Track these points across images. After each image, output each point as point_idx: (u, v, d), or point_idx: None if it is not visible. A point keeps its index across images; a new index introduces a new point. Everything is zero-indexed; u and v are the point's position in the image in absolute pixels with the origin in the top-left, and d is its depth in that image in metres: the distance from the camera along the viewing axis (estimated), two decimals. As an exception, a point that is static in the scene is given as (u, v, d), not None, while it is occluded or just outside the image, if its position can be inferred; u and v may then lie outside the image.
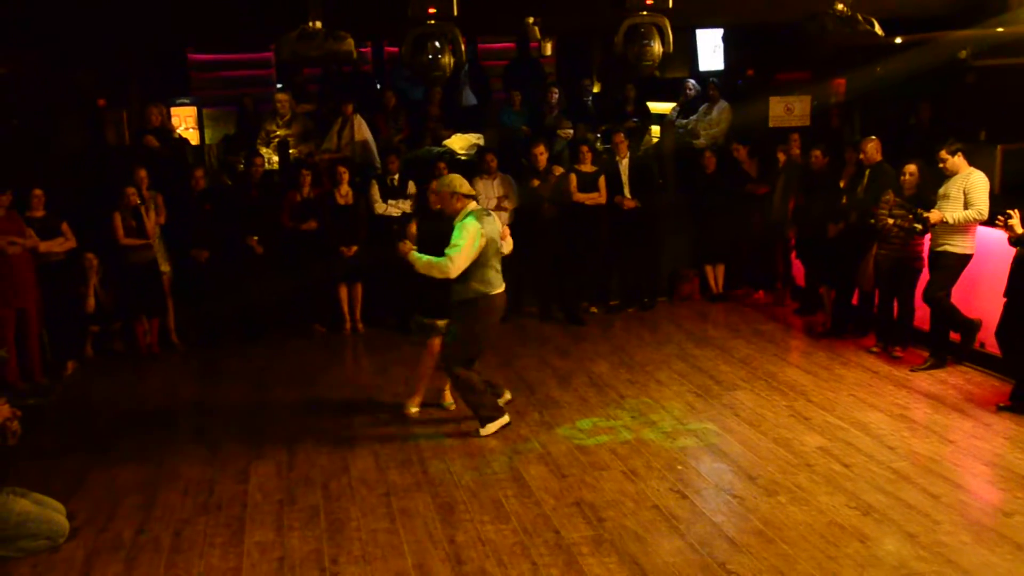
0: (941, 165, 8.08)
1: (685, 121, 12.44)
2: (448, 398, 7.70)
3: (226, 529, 5.78)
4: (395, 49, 12.75)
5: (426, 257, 6.72)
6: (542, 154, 10.23)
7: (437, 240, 6.85)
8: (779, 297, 10.82)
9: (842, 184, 9.29)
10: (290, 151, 10.93)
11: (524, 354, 9.21)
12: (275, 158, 10.90)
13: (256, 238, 9.82)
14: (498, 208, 9.96)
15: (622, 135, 10.56)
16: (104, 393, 8.63)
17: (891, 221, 8.33)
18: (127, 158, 10.21)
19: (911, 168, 8.32)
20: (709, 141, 11.82)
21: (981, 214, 7.81)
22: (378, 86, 13.16)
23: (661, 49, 9.08)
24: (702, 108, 12.34)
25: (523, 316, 10.37)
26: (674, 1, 8.91)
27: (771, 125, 11.26)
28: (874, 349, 8.83)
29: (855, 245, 8.93)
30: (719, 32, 14.23)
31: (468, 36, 9.46)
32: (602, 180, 10.28)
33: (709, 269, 11.14)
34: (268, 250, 9.87)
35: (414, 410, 7.61)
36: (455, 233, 6.74)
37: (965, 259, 8.01)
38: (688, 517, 5.70)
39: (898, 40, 10.92)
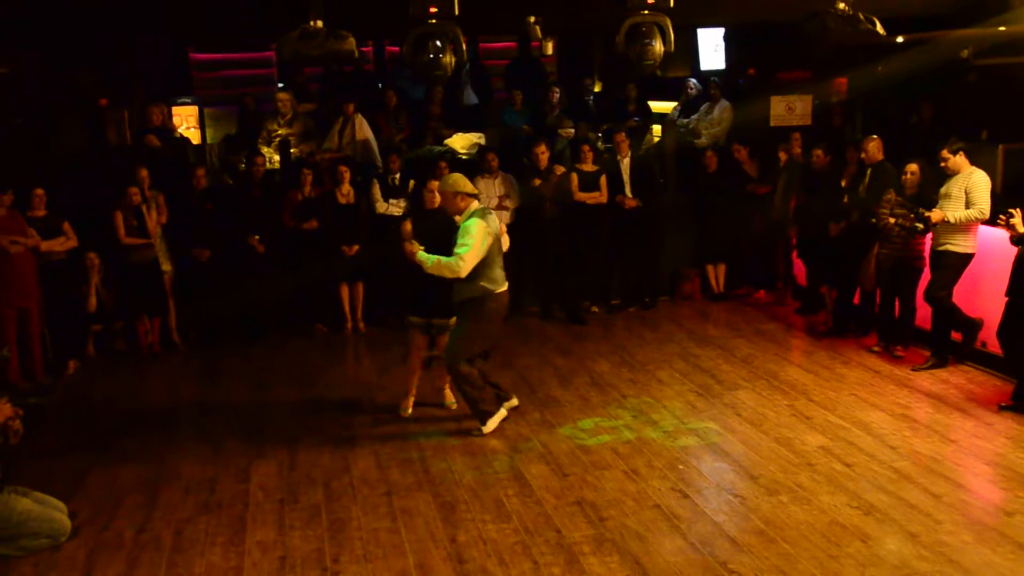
0: (943, 164, 8.07)
1: (686, 120, 12.44)
2: (449, 397, 7.71)
3: (227, 528, 5.79)
4: (396, 48, 12.75)
5: (435, 257, 6.75)
6: (543, 153, 10.23)
7: (432, 238, 6.87)
8: (780, 296, 10.82)
9: (843, 183, 9.29)
10: (291, 150, 10.93)
11: (525, 353, 9.21)
12: (276, 157, 10.91)
13: (257, 237, 9.82)
14: (499, 207, 9.97)
15: (623, 134, 10.56)
16: (106, 392, 8.64)
17: (892, 220, 8.33)
18: (128, 158, 10.21)
19: (912, 167, 8.31)
20: (710, 140, 11.82)
21: (983, 213, 7.81)
22: (379, 85, 13.16)
23: (662, 48, 9.09)
24: (703, 107, 12.34)
25: (524, 315, 10.37)
26: (675, 0, 8.91)
27: (772, 124, 11.26)
28: (875, 348, 8.83)
29: (856, 244, 8.93)
30: (720, 31, 14.23)
31: (469, 35, 9.47)
32: (603, 179, 10.29)
33: (710, 268, 11.15)
34: (269, 249, 9.88)
35: (409, 411, 7.62)
36: (462, 232, 6.77)
37: (967, 258, 8.01)
38: (689, 516, 5.69)
39: (900, 39, 10.91)
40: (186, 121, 12.09)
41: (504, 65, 14.04)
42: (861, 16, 9.31)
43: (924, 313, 8.45)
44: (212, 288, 9.72)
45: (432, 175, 9.30)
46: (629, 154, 10.45)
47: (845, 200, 9.15)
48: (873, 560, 5.11)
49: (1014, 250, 7.27)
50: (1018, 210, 7.16)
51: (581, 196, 10.20)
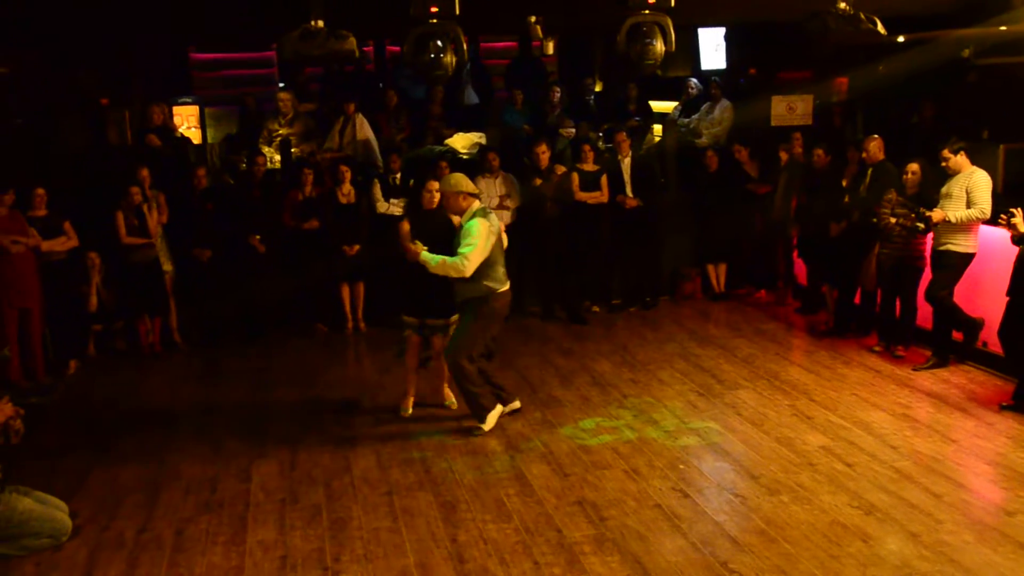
0: (944, 164, 8.07)
1: (687, 120, 12.43)
2: (449, 396, 7.72)
3: (228, 528, 5.79)
4: (397, 48, 12.75)
5: (440, 257, 6.76)
6: (544, 153, 10.23)
7: (430, 239, 6.88)
8: (781, 296, 10.82)
9: (844, 183, 9.29)
10: (292, 150, 10.93)
11: (526, 353, 9.21)
12: (277, 157, 10.91)
13: (258, 237, 9.82)
14: (500, 207, 9.97)
15: (624, 134, 10.56)
16: (106, 392, 8.64)
17: (893, 220, 8.32)
18: (129, 157, 10.21)
19: (913, 167, 8.31)
20: (711, 140, 11.82)
21: (984, 213, 7.81)
22: (380, 85, 13.16)
23: (663, 48, 9.09)
24: (704, 107, 12.33)
25: (525, 315, 10.36)
26: (676, 0, 8.91)
27: (773, 124, 11.26)
28: (876, 348, 8.83)
29: (857, 244, 8.93)
30: (721, 31, 14.22)
31: (470, 35, 9.48)
32: (604, 179, 10.29)
33: (711, 268, 11.15)
34: (270, 249, 9.88)
35: (409, 411, 7.61)
36: (466, 232, 6.79)
37: (968, 258, 8.00)
38: (690, 516, 5.69)
39: (900, 39, 10.90)
40: (187, 121, 12.09)
41: (505, 65, 14.05)
42: (862, 16, 9.31)
43: (925, 313, 8.45)
44: (213, 288, 9.72)
45: (433, 175, 9.31)
46: (630, 154, 10.45)
47: (846, 200, 9.15)
48: (874, 560, 5.11)
49: (1015, 250, 7.27)
50: (1019, 210, 7.15)
51: (582, 196, 10.20)
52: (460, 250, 6.73)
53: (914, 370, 8.26)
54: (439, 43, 8.77)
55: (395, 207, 9.96)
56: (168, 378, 9.04)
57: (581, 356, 9.11)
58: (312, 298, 10.16)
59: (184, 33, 11.63)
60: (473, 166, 10.38)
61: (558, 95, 12.04)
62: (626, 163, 10.41)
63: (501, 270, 7.02)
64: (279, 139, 11.01)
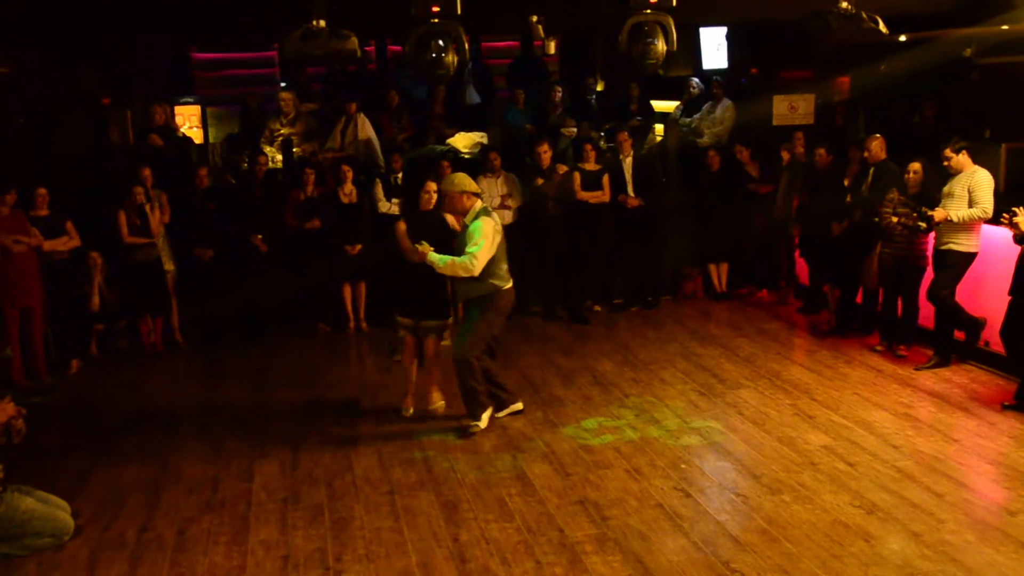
0: (945, 163, 8.06)
1: (689, 119, 12.43)
2: (436, 402, 7.60)
3: (230, 528, 5.79)
4: (399, 48, 12.75)
5: (448, 257, 6.79)
6: (546, 153, 10.24)
7: (426, 239, 6.89)
8: (783, 296, 10.82)
9: (846, 182, 9.29)
10: (294, 150, 10.94)
11: (528, 352, 9.21)
12: (279, 157, 10.92)
13: (260, 237, 9.82)
14: (502, 207, 9.97)
15: (626, 133, 10.57)
16: (108, 392, 8.65)
17: (895, 219, 8.32)
18: (131, 157, 10.23)
19: (915, 166, 8.31)
20: (713, 140, 11.81)
21: (985, 212, 7.80)
22: (382, 85, 13.17)
23: (665, 47, 9.07)
24: (706, 106, 12.33)
25: (527, 315, 10.36)
26: (677, -1, 8.92)
27: (775, 123, 11.26)
28: (878, 348, 8.82)
29: (859, 244, 8.92)
30: (723, 30, 14.21)
31: (471, 34, 9.45)
32: (606, 179, 10.29)
33: (713, 268, 11.14)
34: (272, 249, 9.88)
35: (411, 411, 7.61)
36: (473, 232, 6.82)
37: (969, 257, 8.00)
38: (692, 516, 5.69)
39: (902, 38, 10.90)
40: (189, 120, 12.10)
41: (506, 64, 14.06)
42: (864, 15, 9.28)
43: (927, 312, 8.44)
44: (214, 287, 9.72)
45: (435, 174, 9.31)
46: (631, 153, 10.45)
47: (848, 199, 9.14)
48: (876, 559, 5.11)
49: (1017, 249, 7.26)
50: (1021, 209, 7.15)
51: (583, 195, 10.20)
52: (468, 249, 6.77)
53: (916, 369, 8.26)
54: (441, 43, 8.76)
55: (396, 207, 9.96)
56: (170, 378, 9.05)
57: (583, 356, 9.10)
58: (314, 298, 10.16)
59: (186, 33, 11.62)
60: (475, 166, 10.38)
61: (560, 95, 12.04)
62: (628, 163, 10.41)
63: (505, 268, 7.06)
64: (281, 139, 11.02)
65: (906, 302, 8.58)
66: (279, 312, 10.15)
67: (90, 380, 8.97)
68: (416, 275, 7.08)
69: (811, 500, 5.83)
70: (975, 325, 8.09)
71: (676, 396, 7.85)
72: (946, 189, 8.05)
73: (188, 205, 9.74)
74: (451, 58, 8.84)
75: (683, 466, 6.45)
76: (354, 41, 8.75)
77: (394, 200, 10.00)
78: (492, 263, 6.90)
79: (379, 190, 10.08)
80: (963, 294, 8.12)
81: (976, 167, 7.99)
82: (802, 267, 10.51)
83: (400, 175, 10.16)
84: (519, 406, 7.53)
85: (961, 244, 7.96)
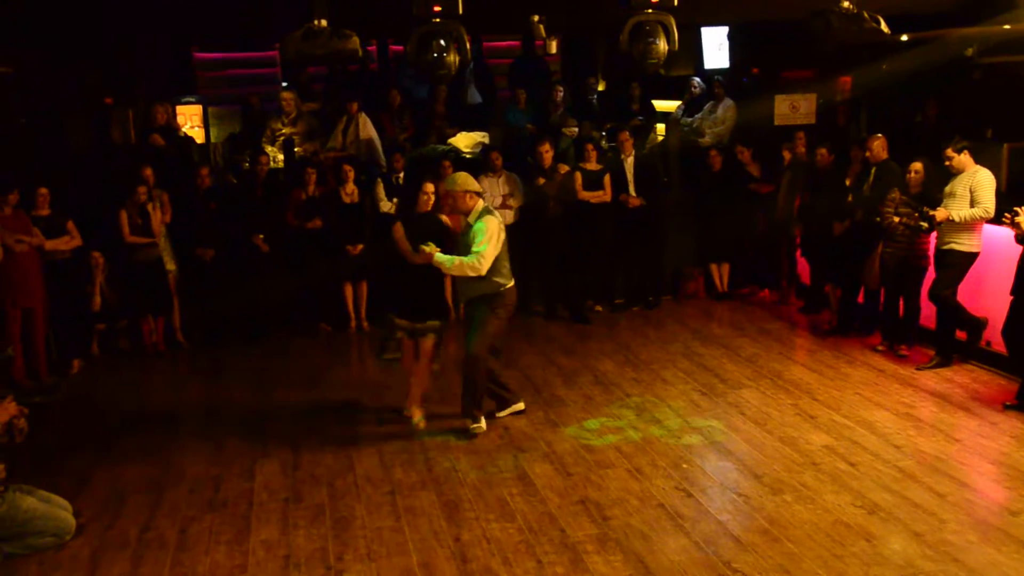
0: (947, 163, 8.05)
1: (690, 119, 12.43)
2: (417, 415, 7.37)
3: (232, 527, 5.79)
4: (400, 47, 12.75)
5: (455, 258, 6.79)
6: (547, 152, 10.24)
7: (423, 241, 6.86)
8: (784, 296, 10.81)
9: (848, 182, 9.28)
10: (295, 149, 10.94)
11: (529, 352, 9.21)
12: (280, 156, 10.92)
13: (261, 236, 9.82)
14: (503, 206, 9.96)
15: (627, 133, 10.56)
16: (110, 391, 8.65)
17: (897, 219, 8.32)
18: (133, 157, 10.23)
19: (917, 166, 8.30)
20: (714, 139, 11.81)
21: (987, 212, 7.79)
22: (384, 85, 13.17)
23: (666, 47, 9.09)
24: (707, 106, 12.33)
25: (529, 315, 10.35)
26: (679, -1, 8.92)
27: (776, 123, 11.24)
28: (880, 347, 8.82)
29: (861, 243, 8.92)
30: (724, 30, 14.21)
31: (473, 34, 9.46)
32: (607, 178, 10.28)
33: (714, 267, 11.14)
34: (273, 249, 9.88)
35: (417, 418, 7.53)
36: (478, 231, 6.82)
37: (971, 257, 7.99)
38: (693, 515, 5.69)
39: (904, 37, 10.89)
40: (190, 120, 12.11)
41: (508, 64, 14.06)
42: (865, 14, 9.30)
43: (928, 312, 8.43)
44: (216, 287, 9.72)
45: (436, 174, 9.32)
46: (633, 153, 10.45)
47: (849, 199, 9.14)
48: (877, 559, 5.10)
49: (1019, 249, 7.26)
50: (1023, 208, 7.14)
51: (585, 195, 10.20)
52: (474, 248, 6.78)
53: (918, 369, 8.25)
54: (442, 42, 8.77)
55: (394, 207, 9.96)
56: (171, 377, 9.06)
57: (584, 355, 9.10)
58: (315, 298, 10.16)
59: (187, 32, 11.62)
60: (476, 165, 10.37)
61: (561, 94, 12.03)
62: (629, 162, 10.41)
63: (507, 266, 7.07)
64: (282, 138, 11.02)
65: (908, 302, 8.58)
66: (281, 312, 10.15)
67: (91, 380, 8.97)
68: (415, 276, 7.05)
69: (813, 500, 5.83)
70: (977, 325, 8.09)
71: (678, 396, 7.84)
72: (948, 189, 8.05)
73: (190, 205, 9.74)
74: (452, 58, 8.85)
75: (684, 466, 6.45)
76: (355, 41, 8.77)
77: (396, 200, 9.99)
78: (495, 262, 6.91)
79: (380, 190, 10.08)
80: (965, 294, 8.11)
81: (978, 167, 7.98)
82: (804, 267, 10.51)
83: (401, 175, 10.16)
84: (521, 406, 7.53)
85: (963, 244, 7.96)
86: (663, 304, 10.89)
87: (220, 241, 9.74)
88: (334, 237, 9.86)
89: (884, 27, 9.45)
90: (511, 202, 10.14)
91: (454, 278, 7.33)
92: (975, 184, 7.88)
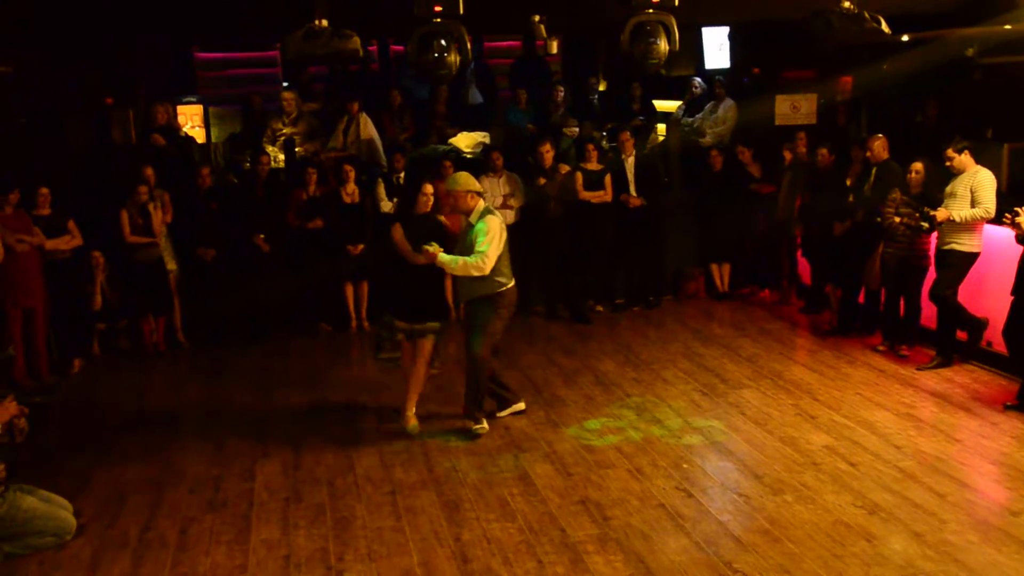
0: (948, 163, 8.06)
1: (691, 119, 12.43)
2: (412, 421, 7.28)
3: (232, 527, 5.79)
4: (401, 47, 12.76)
5: (460, 258, 6.79)
6: (548, 152, 10.24)
7: (422, 242, 6.84)
8: (785, 296, 10.81)
9: (848, 182, 9.28)
10: (296, 149, 10.94)
11: (530, 352, 9.21)
12: (281, 156, 10.92)
13: (262, 236, 9.82)
14: (504, 206, 9.96)
15: (628, 133, 10.57)
16: (110, 391, 8.65)
17: (898, 219, 8.32)
18: (133, 157, 10.23)
19: (917, 166, 8.30)
20: (715, 139, 11.81)
21: (988, 212, 7.79)
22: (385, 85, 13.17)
23: (667, 47, 9.08)
24: (708, 106, 12.33)
25: (529, 315, 10.34)
26: (679, -1, 8.92)
27: (777, 123, 11.24)
28: (880, 348, 8.81)
29: (861, 243, 8.91)
30: (725, 30, 14.20)
31: (474, 34, 9.46)
32: (608, 178, 10.28)
33: (715, 267, 11.14)
34: (274, 249, 9.88)
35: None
36: (481, 231, 6.83)
37: (972, 257, 7.99)
38: (694, 516, 5.69)
39: (905, 38, 10.88)
40: (191, 120, 12.12)
41: (509, 64, 14.06)
42: (866, 14, 9.28)
43: (929, 312, 8.43)
44: (217, 287, 9.72)
45: (437, 174, 9.32)
46: (633, 153, 10.45)
47: (850, 199, 9.14)
48: (878, 560, 5.10)
49: (1019, 249, 7.26)
50: (1023, 208, 7.14)
51: (586, 195, 10.20)
52: (478, 248, 6.79)
53: (918, 370, 8.25)
54: (443, 42, 8.76)
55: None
56: (172, 377, 9.06)
57: (585, 356, 9.10)
58: (316, 297, 10.16)
59: (188, 32, 11.62)
60: (477, 165, 10.37)
61: (562, 94, 12.04)
62: (630, 162, 10.41)
63: (508, 266, 7.07)
64: (283, 138, 11.02)
65: (908, 302, 8.58)
66: (281, 312, 10.15)
67: (92, 380, 8.98)
68: (414, 277, 7.02)
69: (813, 500, 5.83)
70: (977, 325, 8.09)
71: (678, 396, 7.84)
72: (948, 189, 8.05)
73: (190, 205, 9.75)
74: (453, 58, 8.84)
75: (685, 466, 6.45)
76: (356, 41, 8.76)
77: (394, 199, 9.98)
78: (497, 261, 6.92)
79: (381, 190, 10.08)
80: (965, 294, 8.11)
81: (978, 167, 7.98)
82: (804, 267, 10.50)
83: (402, 175, 10.16)
84: (521, 406, 7.53)
85: (963, 244, 7.96)
86: (664, 304, 10.89)
87: (221, 241, 9.74)
88: (335, 237, 9.86)
89: (885, 27, 9.44)
90: (512, 202, 10.14)
91: (454, 278, 7.33)
92: (976, 184, 7.88)
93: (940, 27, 11.14)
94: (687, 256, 11.27)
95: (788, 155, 10.39)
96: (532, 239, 10.10)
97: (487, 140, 11.43)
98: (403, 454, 6.81)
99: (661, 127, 12.40)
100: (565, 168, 10.37)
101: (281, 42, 10.58)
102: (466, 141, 11.42)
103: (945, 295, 8.06)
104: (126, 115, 11.10)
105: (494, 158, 10.22)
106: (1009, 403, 7.28)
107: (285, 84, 13.52)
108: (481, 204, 6.99)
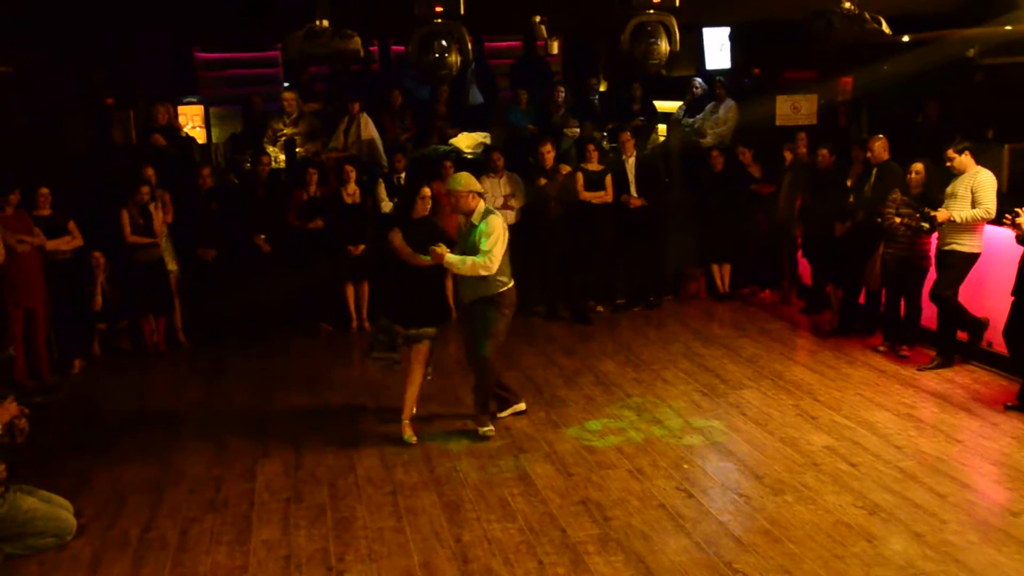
0: (948, 164, 8.06)
1: (691, 120, 12.43)
2: (408, 431, 7.18)
3: (233, 527, 5.79)
4: (402, 48, 12.75)
5: (468, 258, 6.78)
6: (549, 153, 10.24)
7: (421, 245, 6.83)
8: (785, 296, 10.81)
9: (849, 183, 9.28)
10: (297, 150, 10.94)
11: (530, 353, 9.21)
12: (282, 157, 10.93)
13: (263, 237, 9.82)
14: (505, 207, 9.96)
15: (628, 134, 10.57)
16: (111, 391, 8.65)
17: (898, 220, 8.32)
18: (134, 157, 10.24)
19: (918, 167, 8.30)
20: (716, 140, 11.81)
21: (988, 213, 7.79)
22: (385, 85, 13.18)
23: (668, 47, 9.07)
24: (709, 107, 12.33)
25: (530, 315, 10.34)
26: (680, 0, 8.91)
27: (778, 124, 11.24)
28: (881, 348, 8.81)
29: (862, 244, 8.92)
30: (726, 30, 14.20)
31: (474, 35, 9.46)
32: (608, 179, 10.28)
33: (715, 268, 11.14)
34: (275, 249, 9.88)
35: (414, 410, 7.40)
36: (484, 231, 6.82)
37: (972, 258, 7.99)
38: (694, 516, 5.69)
39: (905, 38, 10.88)
40: (192, 120, 12.13)
41: (509, 64, 14.07)
42: (867, 15, 9.28)
43: (930, 313, 8.43)
44: (217, 287, 9.72)
45: (437, 175, 9.32)
46: (634, 153, 10.45)
47: (850, 200, 9.14)
48: (878, 560, 5.10)
49: (1020, 249, 7.26)
50: (1024, 209, 7.15)
51: (586, 195, 10.20)
52: (483, 248, 6.79)
53: (919, 370, 8.25)
54: (444, 43, 8.76)
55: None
56: (172, 378, 9.06)
57: (585, 356, 9.10)
58: (317, 298, 10.17)
59: (189, 32, 11.63)
60: (478, 166, 10.37)
61: (562, 95, 12.04)
62: (630, 163, 10.41)
63: (508, 267, 7.07)
64: (284, 139, 11.03)
65: (909, 303, 8.58)
66: (282, 312, 10.15)
67: (92, 380, 8.98)
68: (411, 281, 6.99)
69: (813, 500, 5.83)
70: (978, 326, 8.09)
71: (678, 396, 7.84)
72: (949, 190, 8.05)
73: (191, 205, 9.75)
74: (454, 58, 8.84)
75: (685, 466, 6.45)
76: (357, 41, 8.76)
77: (394, 200, 9.98)
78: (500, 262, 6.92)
79: (382, 190, 10.08)
80: (966, 295, 8.11)
81: (979, 168, 7.99)
82: (805, 267, 10.50)
83: (403, 175, 10.16)
84: (522, 406, 7.53)
85: (964, 245, 7.96)
86: (664, 304, 10.89)
87: (221, 241, 9.74)
88: (335, 237, 9.86)
89: (885, 28, 9.44)
90: (512, 202, 10.13)
91: (457, 279, 7.32)
92: (976, 185, 7.88)
93: (941, 28, 11.14)
94: (688, 256, 11.27)
95: (789, 155, 10.39)
96: (533, 239, 10.10)
97: (488, 140, 11.44)
98: (404, 455, 6.81)
99: (662, 127, 12.40)
100: (566, 168, 10.37)
101: (282, 42, 10.58)
102: (467, 141, 11.42)
103: (946, 295, 8.06)
104: (127, 115, 11.11)
105: (495, 158, 10.22)
106: (1009, 404, 7.28)
107: (286, 84, 13.52)
108: (482, 204, 6.99)
